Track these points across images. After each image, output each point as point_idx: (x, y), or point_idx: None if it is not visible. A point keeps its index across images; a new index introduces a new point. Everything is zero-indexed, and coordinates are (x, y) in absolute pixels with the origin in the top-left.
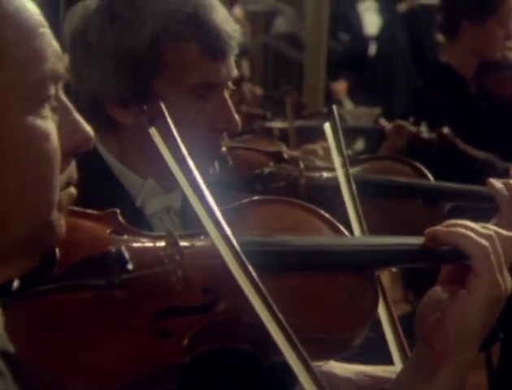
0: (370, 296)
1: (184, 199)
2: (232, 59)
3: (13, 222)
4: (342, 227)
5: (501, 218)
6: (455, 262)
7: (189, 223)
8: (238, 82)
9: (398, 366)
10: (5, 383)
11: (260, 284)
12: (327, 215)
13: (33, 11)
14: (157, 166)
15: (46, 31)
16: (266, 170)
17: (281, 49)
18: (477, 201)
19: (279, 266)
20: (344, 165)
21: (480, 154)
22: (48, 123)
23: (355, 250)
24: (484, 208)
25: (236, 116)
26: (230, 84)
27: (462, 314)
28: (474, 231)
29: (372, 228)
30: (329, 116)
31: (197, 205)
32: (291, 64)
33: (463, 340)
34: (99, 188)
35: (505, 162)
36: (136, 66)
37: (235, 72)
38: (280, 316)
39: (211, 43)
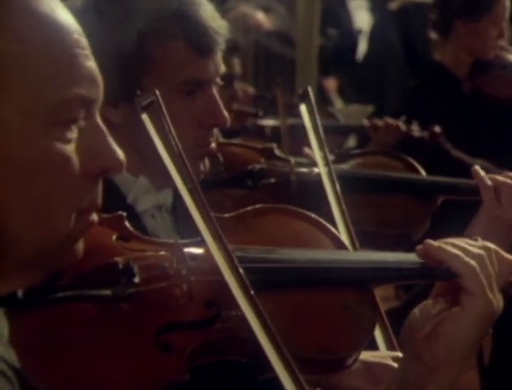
0: (368, 313)
1: (176, 197)
2: (219, 55)
3: (24, 240)
4: (344, 241)
5: (484, 208)
6: (449, 280)
7: (180, 220)
8: (230, 80)
9: (383, 349)
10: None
11: (257, 301)
12: (329, 227)
13: (70, 30)
14: (148, 164)
15: (81, 52)
16: (257, 166)
17: (273, 47)
18: (468, 194)
19: (281, 282)
20: (322, 147)
21: (474, 162)
22: (70, 147)
23: (357, 267)
24: (475, 202)
25: (225, 112)
26: (218, 80)
27: (455, 330)
28: (463, 250)
29: (363, 223)
30: (304, 98)
31: (196, 214)
32: (283, 62)
33: (454, 355)
34: None
35: (500, 168)
36: (123, 64)
37: (222, 68)
38: (275, 333)
39: (198, 39)
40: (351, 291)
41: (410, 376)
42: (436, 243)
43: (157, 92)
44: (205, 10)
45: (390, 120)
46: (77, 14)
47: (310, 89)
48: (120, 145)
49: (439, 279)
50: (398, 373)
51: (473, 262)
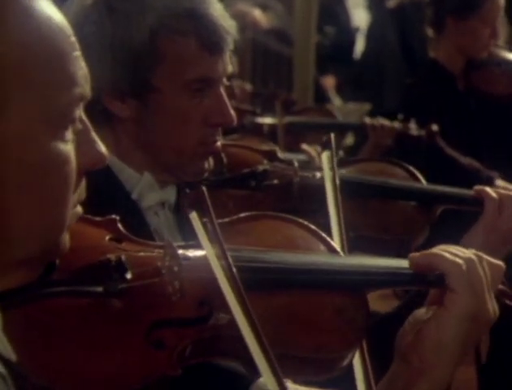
0: (361, 317)
1: (179, 195)
2: (227, 55)
3: (27, 240)
4: (338, 247)
5: (484, 219)
6: (442, 287)
7: (183, 218)
8: (228, 78)
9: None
10: (8, 388)
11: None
12: (323, 234)
13: (69, 33)
14: (153, 160)
15: (79, 54)
16: (261, 167)
17: (270, 45)
18: (468, 205)
19: (273, 282)
20: (336, 200)
21: (466, 161)
22: (69, 147)
23: (349, 271)
24: (475, 212)
25: (232, 111)
26: (225, 80)
27: (439, 330)
28: (451, 252)
29: (363, 229)
30: (327, 145)
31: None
32: (280, 60)
33: (439, 356)
34: (95, 181)
35: (492, 166)
36: (133, 59)
37: (230, 68)
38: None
39: (209, 38)
40: (343, 294)
41: (398, 380)
42: (417, 254)
43: (204, 188)
44: (215, 8)
45: (384, 121)
46: (87, 8)
47: (332, 137)
48: (125, 141)
49: (431, 285)
50: (387, 378)
51: (459, 260)
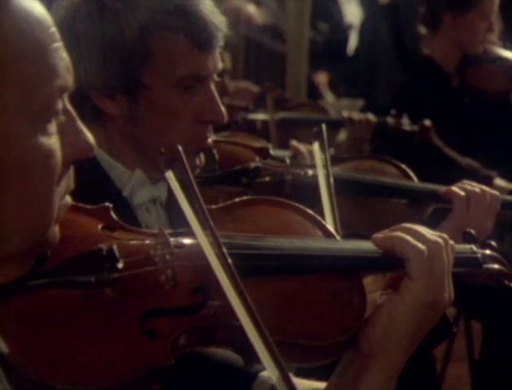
0: (357, 301)
1: (170, 191)
2: (217, 51)
3: (13, 235)
4: (333, 231)
5: (454, 217)
6: (400, 272)
7: (174, 214)
8: (220, 74)
9: None
10: (0, 382)
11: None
12: (318, 218)
13: (48, 25)
14: (144, 157)
15: (58, 44)
16: (253, 164)
17: (263, 41)
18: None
19: (268, 269)
20: (328, 186)
21: (464, 160)
22: (52, 140)
23: (345, 254)
24: None
25: (223, 108)
26: (215, 76)
27: (390, 316)
28: (415, 234)
29: (356, 227)
30: (318, 135)
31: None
32: (273, 56)
33: (389, 342)
34: (86, 178)
35: (488, 165)
36: (123, 56)
37: (220, 65)
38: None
39: (199, 34)
40: (338, 278)
41: (349, 368)
42: (381, 234)
43: (180, 148)
44: (205, 5)
45: (362, 115)
46: (77, 4)
47: (324, 127)
48: (116, 138)
49: (390, 269)
50: (340, 367)
51: (421, 246)
